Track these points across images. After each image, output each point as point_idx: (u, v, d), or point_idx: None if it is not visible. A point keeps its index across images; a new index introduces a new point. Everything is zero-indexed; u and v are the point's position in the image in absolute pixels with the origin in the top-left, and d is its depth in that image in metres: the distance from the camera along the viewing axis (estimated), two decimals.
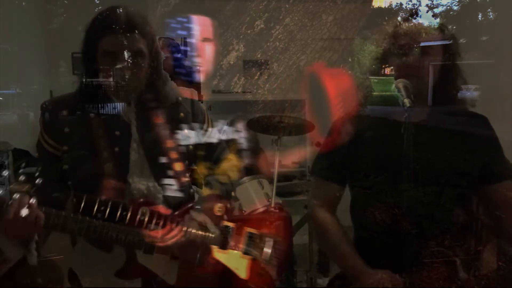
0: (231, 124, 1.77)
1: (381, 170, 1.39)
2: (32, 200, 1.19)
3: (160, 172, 1.43)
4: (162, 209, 1.40)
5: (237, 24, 2.85)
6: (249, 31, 2.78)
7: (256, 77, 3.20)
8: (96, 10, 1.41)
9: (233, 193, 1.70)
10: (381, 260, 1.38)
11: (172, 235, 1.36)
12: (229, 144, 1.64)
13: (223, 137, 1.61)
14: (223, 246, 1.49)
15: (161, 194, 1.43)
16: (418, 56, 1.39)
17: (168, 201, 1.44)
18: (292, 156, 3.33)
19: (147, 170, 1.42)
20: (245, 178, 1.99)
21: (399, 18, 1.49)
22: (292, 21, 3.34)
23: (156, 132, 1.43)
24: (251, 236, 1.54)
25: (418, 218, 1.35)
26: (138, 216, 1.32)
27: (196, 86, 2.93)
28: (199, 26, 1.64)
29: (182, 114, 1.48)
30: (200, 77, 1.73)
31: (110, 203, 1.30)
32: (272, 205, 2.14)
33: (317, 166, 1.60)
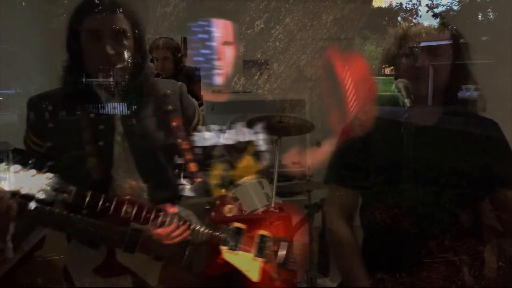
0: (232, 124, 1.77)
1: (381, 170, 1.39)
2: (4, 191, 1.17)
3: (145, 167, 1.39)
4: (169, 207, 1.35)
5: (237, 24, 2.85)
6: (249, 31, 2.78)
7: (256, 77, 3.20)
8: None
9: (231, 194, 1.70)
10: (381, 260, 1.38)
11: (179, 233, 1.33)
12: (246, 145, 1.61)
13: (241, 138, 1.60)
14: (232, 247, 1.46)
15: (146, 192, 1.38)
16: (426, 57, 1.38)
17: (154, 200, 1.38)
18: (292, 156, 3.32)
19: (132, 164, 1.37)
20: (245, 178, 1.99)
21: (399, 18, 1.49)
22: (292, 21, 3.34)
23: (141, 125, 1.38)
24: (263, 239, 1.52)
25: (418, 218, 1.35)
26: (122, 214, 1.28)
27: (196, 86, 2.93)
28: (220, 30, 1.64)
29: (170, 107, 1.42)
30: (222, 79, 1.73)
31: (90, 196, 1.26)
32: (272, 205, 2.14)
33: (332, 172, 1.55)
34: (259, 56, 2.85)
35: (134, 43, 1.35)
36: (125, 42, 1.33)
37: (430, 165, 1.36)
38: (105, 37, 1.30)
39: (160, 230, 1.31)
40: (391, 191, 1.38)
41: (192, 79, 2.98)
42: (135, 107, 1.38)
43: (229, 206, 1.52)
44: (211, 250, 1.47)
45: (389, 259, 1.36)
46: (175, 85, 1.50)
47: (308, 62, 3.46)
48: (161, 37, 2.90)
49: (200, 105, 2.88)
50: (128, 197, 1.32)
